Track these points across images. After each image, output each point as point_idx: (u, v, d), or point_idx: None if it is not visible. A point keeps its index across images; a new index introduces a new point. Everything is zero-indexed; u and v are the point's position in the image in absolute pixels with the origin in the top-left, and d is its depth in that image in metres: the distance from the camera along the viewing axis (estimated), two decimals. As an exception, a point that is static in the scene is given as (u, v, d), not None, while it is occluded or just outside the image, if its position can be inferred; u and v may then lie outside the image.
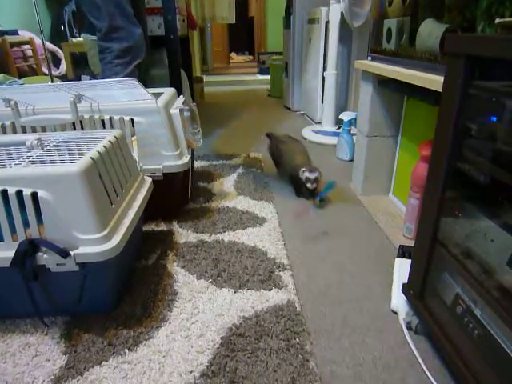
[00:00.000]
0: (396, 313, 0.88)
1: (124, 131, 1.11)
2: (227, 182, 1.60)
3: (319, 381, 0.70)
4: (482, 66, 0.63)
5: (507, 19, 0.56)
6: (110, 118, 1.14)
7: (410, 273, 0.84)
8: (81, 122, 1.13)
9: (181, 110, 1.23)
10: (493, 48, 0.56)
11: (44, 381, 0.71)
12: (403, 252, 0.99)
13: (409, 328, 0.84)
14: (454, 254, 0.73)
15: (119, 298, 0.91)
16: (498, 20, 0.60)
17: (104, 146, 0.87)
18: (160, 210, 1.25)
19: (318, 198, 1.40)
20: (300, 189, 1.48)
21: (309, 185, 1.37)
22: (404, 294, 0.85)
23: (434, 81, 0.89)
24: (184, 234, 1.20)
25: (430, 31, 1.04)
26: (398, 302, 0.88)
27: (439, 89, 0.74)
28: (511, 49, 0.52)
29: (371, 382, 0.72)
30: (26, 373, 0.73)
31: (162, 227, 1.25)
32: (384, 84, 1.27)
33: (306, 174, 1.37)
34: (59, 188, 0.73)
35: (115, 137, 0.94)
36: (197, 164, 1.81)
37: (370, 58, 1.36)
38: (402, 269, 0.95)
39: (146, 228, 1.23)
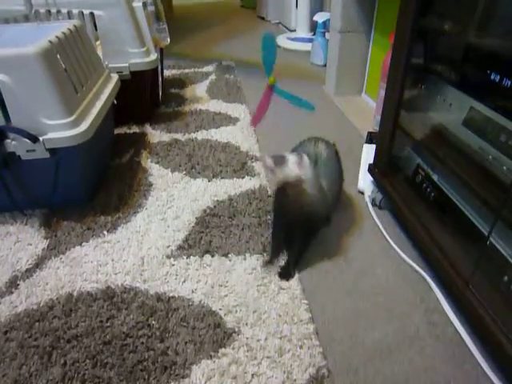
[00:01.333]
0: (362, 193, 0.93)
1: (84, 25, 1.06)
2: (199, 88, 1.56)
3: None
4: None
5: None
6: (68, 12, 1.08)
7: (376, 153, 0.88)
8: (36, 16, 1.06)
9: (144, 4, 1.16)
10: None
11: (28, 260, 0.75)
12: (371, 138, 1.02)
13: (373, 204, 0.89)
14: (415, 126, 0.76)
15: (95, 192, 0.93)
16: None
17: (63, 32, 0.83)
18: (131, 113, 1.23)
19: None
20: None
21: None
22: (370, 173, 0.90)
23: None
24: (157, 135, 1.20)
25: None
26: (364, 182, 0.93)
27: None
28: None
29: (335, 247, 0.78)
30: (10, 255, 0.76)
31: (135, 129, 1.24)
32: (357, -29, 1.21)
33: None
34: (18, 71, 0.71)
35: (74, 25, 0.89)
36: (168, 72, 1.74)
37: None
38: (369, 153, 0.98)
39: (118, 131, 1.22)
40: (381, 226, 0.83)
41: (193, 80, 1.65)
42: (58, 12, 1.06)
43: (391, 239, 0.80)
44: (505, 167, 0.54)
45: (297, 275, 0.70)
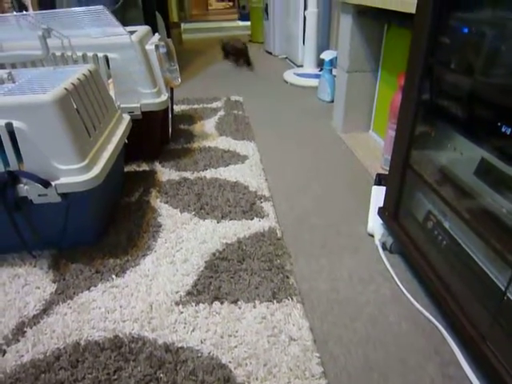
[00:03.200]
0: (372, 235, 0.93)
1: (98, 68, 1.09)
2: (208, 124, 1.59)
3: (298, 294, 0.75)
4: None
5: None
6: (83, 55, 1.11)
7: (386, 196, 0.88)
8: (52, 59, 1.09)
9: (156, 46, 1.19)
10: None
11: (35, 305, 0.74)
12: (380, 180, 1.02)
13: (384, 248, 0.88)
14: (426, 173, 0.76)
15: (104, 231, 0.93)
16: None
17: (78, 79, 0.85)
18: (141, 151, 1.25)
19: None
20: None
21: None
22: (380, 216, 0.89)
23: (409, 3, 0.88)
24: (166, 173, 1.21)
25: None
26: (374, 225, 0.92)
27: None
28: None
29: (347, 293, 0.77)
30: (18, 299, 0.76)
31: (144, 167, 1.25)
32: (364, 14, 1.24)
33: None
34: (34, 118, 0.73)
35: (89, 70, 0.92)
36: (177, 108, 1.78)
37: (349, -11, 1.33)
38: (378, 195, 0.98)
39: (127, 169, 1.23)
40: (392, 271, 0.82)
41: (202, 116, 1.68)
42: (74, 55, 1.09)
43: (403, 285, 0.78)
44: (520, 221, 0.53)
45: (308, 324, 0.69)
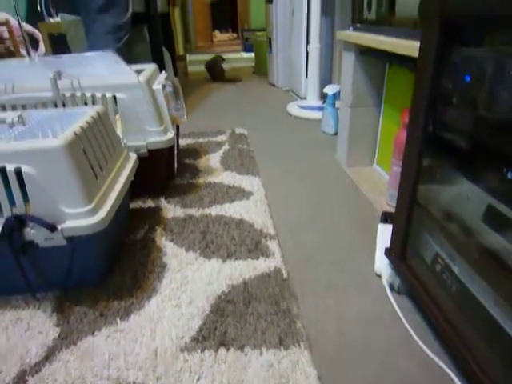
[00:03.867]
0: (379, 275, 0.91)
1: (106, 108, 1.11)
2: (213, 159, 1.60)
3: (306, 340, 0.73)
4: (457, 28, 0.64)
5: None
6: (92, 95, 1.13)
7: (392, 236, 0.87)
8: (62, 100, 1.12)
9: (163, 86, 1.22)
10: (462, 4, 0.57)
11: (37, 351, 0.73)
12: (386, 218, 1.02)
13: (391, 289, 0.87)
14: (433, 214, 0.76)
15: (109, 271, 0.93)
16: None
17: (86, 122, 0.86)
18: (147, 187, 1.26)
19: None
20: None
21: None
22: (387, 256, 0.88)
23: (412, 47, 0.90)
24: (171, 210, 1.21)
25: (409, -3, 1.04)
26: (381, 265, 0.91)
27: (416, 54, 0.75)
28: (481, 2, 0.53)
29: (354, 336, 0.75)
30: (20, 345, 0.74)
31: (150, 204, 1.25)
32: (365, 54, 1.27)
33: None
34: (43, 163, 0.73)
35: (97, 112, 0.94)
36: (182, 142, 1.80)
37: (351, 29, 1.36)
38: (384, 234, 0.97)
39: (133, 205, 1.24)
40: (400, 314, 0.80)
41: (207, 150, 1.70)
42: (83, 96, 1.12)
43: (412, 328, 0.77)
44: (531, 272, 0.53)
45: (315, 372, 0.67)
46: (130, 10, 1.59)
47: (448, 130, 0.72)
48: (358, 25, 1.32)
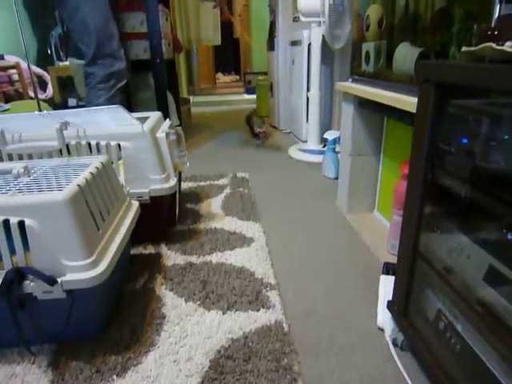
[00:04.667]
0: (382, 329, 0.90)
1: (110, 156, 1.13)
2: (214, 203, 1.61)
3: (307, 401, 0.71)
4: (453, 89, 0.66)
5: (472, 48, 0.59)
6: (97, 144, 1.16)
7: (394, 290, 0.86)
8: (67, 147, 1.14)
9: (167, 134, 1.25)
10: (457, 75, 0.59)
11: (31, 411, 0.71)
12: (387, 269, 1.01)
13: (395, 344, 0.85)
14: (435, 270, 0.76)
15: (107, 323, 0.91)
16: (464, 49, 0.64)
17: (90, 173, 0.88)
18: (148, 233, 1.26)
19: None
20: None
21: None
22: (389, 310, 0.87)
23: (409, 102, 0.93)
24: (172, 257, 1.20)
25: (405, 54, 1.09)
26: (384, 318, 0.90)
27: (414, 110, 0.77)
28: (473, 76, 0.55)
29: (358, 400, 0.73)
30: (13, 403, 0.72)
31: (150, 250, 1.25)
32: (364, 105, 1.31)
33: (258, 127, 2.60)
34: (46, 216, 0.74)
35: (101, 163, 0.95)
36: (184, 185, 1.82)
37: (350, 80, 1.41)
38: (386, 286, 0.97)
39: (133, 251, 1.23)
40: (404, 373, 0.78)
41: (208, 194, 1.71)
42: (87, 144, 1.14)
43: (417, 390, 0.74)
44: (536, 338, 0.52)
45: None
46: (123, 57, 1.65)
47: (446, 185, 0.73)
48: (357, 76, 1.37)
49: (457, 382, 0.66)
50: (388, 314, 0.88)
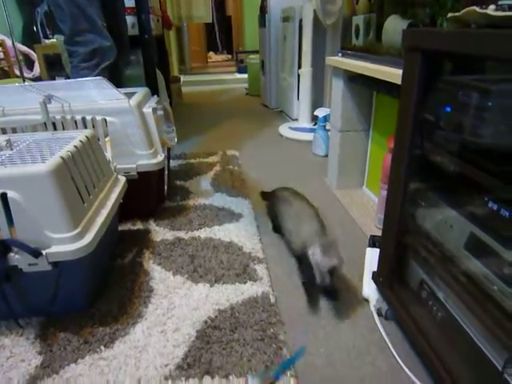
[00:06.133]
0: (367, 300, 0.91)
1: (97, 131, 1.12)
2: (204, 180, 1.61)
3: (292, 369, 0.73)
4: (438, 58, 0.65)
5: (456, 14, 0.58)
6: (83, 119, 1.14)
7: (379, 261, 0.87)
8: (53, 123, 1.13)
9: (154, 109, 1.23)
10: (442, 41, 0.58)
11: (19, 381, 0.71)
12: (373, 242, 1.02)
13: (379, 314, 0.87)
14: (418, 241, 0.76)
15: (95, 297, 0.92)
16: (450, 15, 0.63)
17: (75, 146, 0.87)
18: (136, 209, 1.25)
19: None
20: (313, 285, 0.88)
21: (321, 279, 0.84)
22: (374, 281, 0.88)
23: (397, 75, 0.92)
24: (160, 232, 1.20)
25: (395, 27, 1.07)
26: (369, 289, 0.91)
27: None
28: (458, 41, 0.54)
29: (343, 368, 0.74)
30: (1, 374, 0.73)
31: (139, 226, 1.25)
32: (354, 79, 1.30)
33: (318, 259, 0.84)
34: (29, 188, 0.73)
35: (86, 136, 0.94)
36: (173, 163, 1.81)
37: (340, 55, 1.39)
38: (372, 258, 0.98)
39: (122, 227, 1.23)
40: (388, 342, 0.80)
41: (198, 171, 1.70)
42: (73, 118, 1.13)
43: (400, 358, 0.76)
44: (512, 302, 0.53)
45: (301, 401, 0.66)
46: (106, 34, 1.58)
47: (431, 155, 0.73)
48: (347, 51, 1.35)
49: (439, 348, 0.68)
50: (373, 285, 0.90)
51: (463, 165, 0.63)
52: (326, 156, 1.75)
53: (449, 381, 0.63)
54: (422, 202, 0.76)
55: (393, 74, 0.95)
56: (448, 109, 0.63)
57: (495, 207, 0.57)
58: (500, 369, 0.54)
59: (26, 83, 1.07)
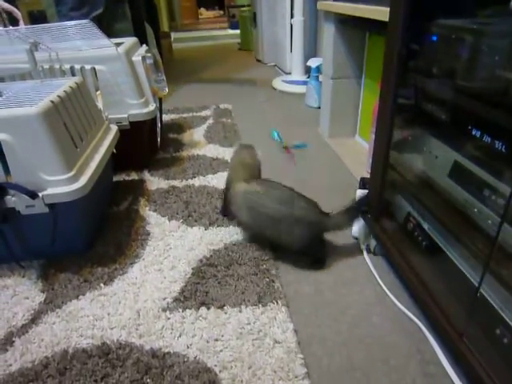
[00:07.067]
0: (357, 238, 0.94)
1: (86, 80, 1.10)
2: (197, 133, 1.61)
3: (283, 297, 0.76)
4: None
5: None
6: (71, 68, 1.13)
7: (367, 198, 0.90)
8: (41, 73, 1.11)
9: (143, 58, 1.21)
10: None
11: (24, 315, 0.75)
12: (364, 183, 1.04)
13: (368, 250, 0.90)
14: (404, 176, 0.78)
15: (93, 241, 0.94)
16: None
17: (64, 91, 0.86)
18: (130, 160, 1.26)
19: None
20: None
21: None
22: (362, 219, 0.91)
23: (386, 12, 0.90)
24: (155, 182, 1.22)
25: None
26: (359, 228, 0.94)
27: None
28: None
29: (330, 295, 0.78)
30: (6, 310, 0.76)
31: (133, 176, 1.26)
32: (345, 22, 1.27)
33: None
34: (20, 130, 0.74)
35: (76, 83, 0.94)
36: (166, 117, 1.80)
37: (331, -1, 1.36)
38: (362, 199, 1.00)
39: (116, 178, 1.25)
40: (375, 273, 0.84)
41: (191, 125, 1.70)
42: (61, 67, 1.11)
43: (386, 287, 0.80)
44: (490, 221, 0.55)
45: (292, 326, 0.70)
46: None
47: (418, 91, 0.74)
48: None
49: (422, 274, 0.71)
50: (362, 224, 0.93)
51: (447, 94, 0.64)
52: (319, 108, 1.74)
53: (431, 303, 0.66)
54: (409, 136, 0.77)
55: (384, 11, 0.94)
56: (433, 38, 0.63)
57: (478, 134, 0.59)
58: (476, 285, 0.58)
59: (8, 28, 1.04)
